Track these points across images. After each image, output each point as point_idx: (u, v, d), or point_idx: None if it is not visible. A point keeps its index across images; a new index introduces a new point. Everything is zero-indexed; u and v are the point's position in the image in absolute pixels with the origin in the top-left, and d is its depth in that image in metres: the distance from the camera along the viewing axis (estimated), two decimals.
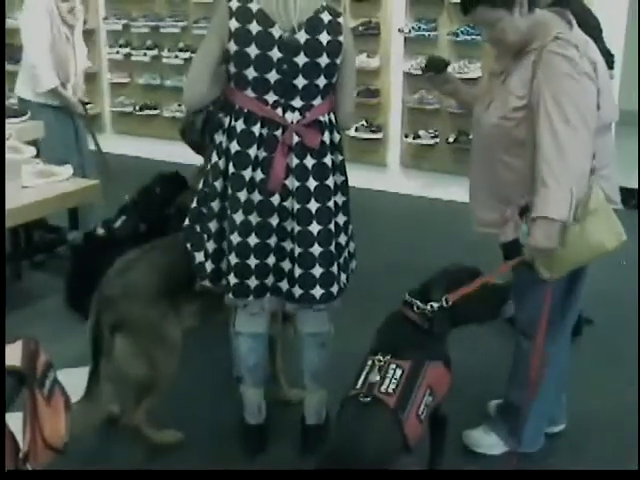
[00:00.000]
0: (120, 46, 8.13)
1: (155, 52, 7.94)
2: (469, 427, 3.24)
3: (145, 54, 7.99)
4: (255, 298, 2.91)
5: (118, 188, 4.62)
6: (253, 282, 2.87)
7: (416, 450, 2.55)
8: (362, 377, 2.60)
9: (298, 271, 2.85)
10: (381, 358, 2.62)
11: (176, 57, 7.79)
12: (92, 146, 5.64)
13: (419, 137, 6.78)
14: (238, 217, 2.81)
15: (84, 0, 7.79)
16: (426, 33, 6.53)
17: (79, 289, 4.44)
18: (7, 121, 4.96)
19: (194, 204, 3.01)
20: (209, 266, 2.95)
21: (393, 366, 2.58)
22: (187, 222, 3.04)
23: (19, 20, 5.21)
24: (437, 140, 6.74)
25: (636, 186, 6.08)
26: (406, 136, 6.83)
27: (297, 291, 2.88)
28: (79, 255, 4.61)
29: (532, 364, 2.76)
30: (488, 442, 3.20)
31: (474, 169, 2.99)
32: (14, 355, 1.94)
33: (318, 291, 2.88)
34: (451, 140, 6.59)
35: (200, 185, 2.99)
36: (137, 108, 8.19)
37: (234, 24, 2.69)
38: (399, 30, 6.63)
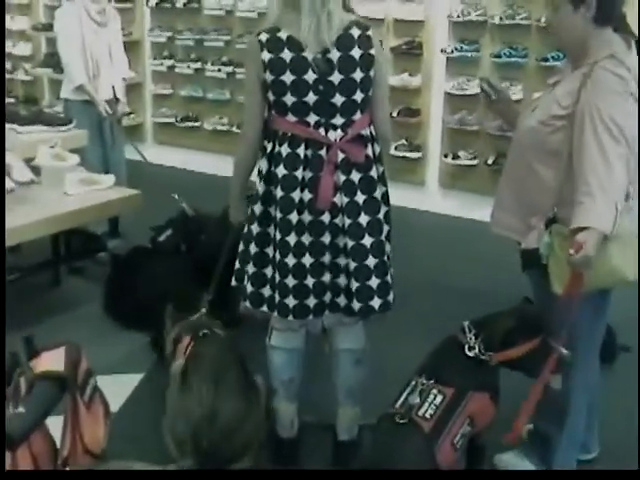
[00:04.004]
0: (164, 58, 8.20)
1: (198, 65, 7.99)
2: (501, 450, 3.22)
3: (188, 66, 8.05)
4: (315, 317, 2.94)
5: (158, 197, 4.66)
6: (312, 301, 2.89)
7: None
8: (403, 397, 2.60)
9: (355, 285, 2.87)
10: (424, 381, 2.61)
11: (219, 70, 7.83)
12: (128, 154, 5.77)
13: (458, 157, 6.77)
14: (291, 239, 2.83)
15: (131, 12, 8.02)
16: (468, 54, 6.53)
17: (118, 296, 4.51)
18: (52, 129, 5.06)
19: (246, 228, 3.03)
20: (249, 288, 2.98)
21: (435, 391, 2.57)
22: (242, 246, 3.04)
23: (54, 26, 5.57)
24: (476, 161, 6.72)
25: None
26: (445, 156, 6.82)
27: (356, 305, 2.89)
28: (119, 263, 4.67)
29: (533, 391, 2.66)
30: (520, 466, 3.17)
31: (505, 172, 2.98)
32: (57, 360, 1.97)
33: (376, 302, 2.91)
34: (490, 162, 6.55)
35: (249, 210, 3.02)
36: (178, 119, 8.25)
37: (266, 55, 2.73)
38: (442, 50, 6.63)
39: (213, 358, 3.09)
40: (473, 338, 2.71)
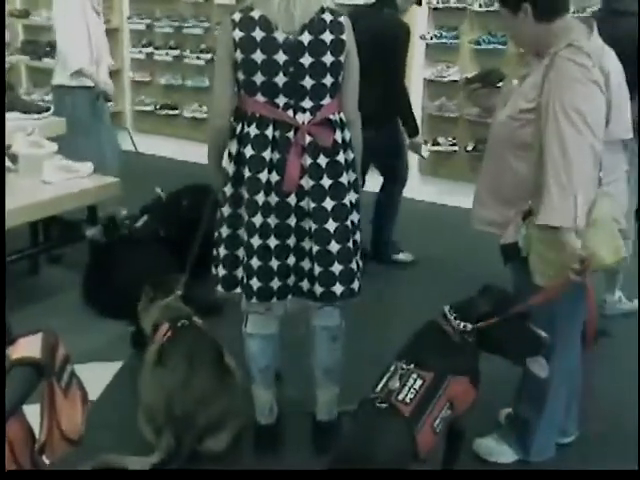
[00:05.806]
0: (143, 46, 8.17)
1: (177, 52, 7.98)
2: (480, 435, 3.23)
3: (167, 54, 8.02)
4: (278, 299, 2.93)
5: (137, 185, 4.65)
6: (276, 284, 2.89)
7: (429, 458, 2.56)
8: (383, 382, 2.61)
9: (318, 269, 2.86)
10: (404, 365, 2.61)
11: (198, 58, 7.82)
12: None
13: (438, 144, 6.79)
14: (257, 220, 2.82)
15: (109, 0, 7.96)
16: (448, 41, 6.54)
17: (96, 284, 4.49)
18: (30, 117, 5.02)
19: (219, 212, 3.01)
20: (221, 271, 2.97)
21: (415, 375, 2.57)
22: (216, 231, 3.03)
23: (53, 9, 5.44)
24: (456, 148, 6.74)
25: None
26: (425, 143, 6.82)
27: (318, 289, 2.89)
28: (97, 251, 4.65)
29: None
30: (499, 450, 3.20)
31: (482, 167, 3.00)
32: (34, 347, 1.96)
33: (338, 288, 2.89)
34: (470, 148, 6.58)
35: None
36: (158, 107, 8.23)
37: (238, 34, 2.73)
38: (421, 37, 6.63)
39: (189, 341, 3.19)
40: (455, 319, 2.72)
